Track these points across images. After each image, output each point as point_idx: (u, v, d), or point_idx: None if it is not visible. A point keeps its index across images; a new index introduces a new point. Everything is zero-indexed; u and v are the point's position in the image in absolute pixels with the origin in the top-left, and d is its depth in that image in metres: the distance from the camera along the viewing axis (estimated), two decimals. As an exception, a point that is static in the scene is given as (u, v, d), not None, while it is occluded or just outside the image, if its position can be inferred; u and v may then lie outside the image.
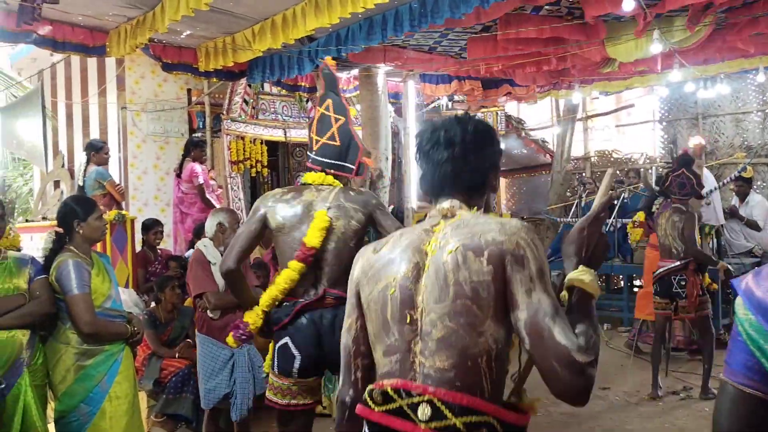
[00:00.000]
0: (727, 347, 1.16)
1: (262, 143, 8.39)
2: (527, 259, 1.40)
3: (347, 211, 2.89)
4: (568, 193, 10.18)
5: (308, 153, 3.09)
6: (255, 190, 9.86)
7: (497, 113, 10.17)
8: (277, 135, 8.69)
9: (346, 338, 1.64)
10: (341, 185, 3.00)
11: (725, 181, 7.62)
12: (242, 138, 8.20)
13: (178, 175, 6.80)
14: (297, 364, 2.77)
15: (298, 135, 8.87)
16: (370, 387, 1.51)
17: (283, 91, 8.30)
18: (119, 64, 7.58)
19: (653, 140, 10.65)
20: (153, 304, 4.98)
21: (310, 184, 3.00)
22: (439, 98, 8.67)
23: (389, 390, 1.44)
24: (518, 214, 12.34)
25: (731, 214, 7.38)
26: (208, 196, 6.60)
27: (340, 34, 5.60)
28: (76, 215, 3.18)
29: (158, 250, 6.09)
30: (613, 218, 8.14)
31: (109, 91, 7.81)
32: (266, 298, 2.88)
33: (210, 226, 4.08)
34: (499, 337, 1.42)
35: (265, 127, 8.56)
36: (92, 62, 7.84)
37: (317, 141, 3.02)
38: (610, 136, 11.67)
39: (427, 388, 1.40)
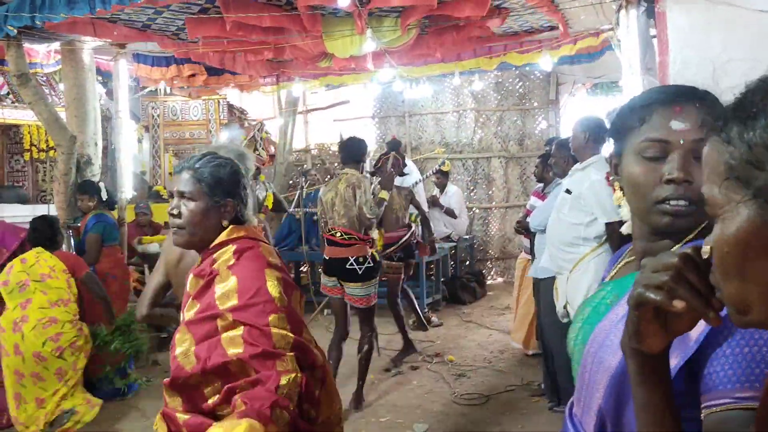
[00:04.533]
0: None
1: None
2: None
3: None
4: (290, 183, 10.37)
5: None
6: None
7: (219, 102, 9.93)
8: (-46, 112, 7.36)
9: None
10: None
11: (428, 173, 8.44)
12: None
13: None
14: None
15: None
16: None
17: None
18: None
19: (368, 135, 11.39)
20: None
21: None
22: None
23: None
24: (242, 205, 12.22)
25: (433, 203, 8.24)
26: None
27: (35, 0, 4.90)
28: None
29: None
30: (299, 209, 8.17)
31: None
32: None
33: None
34: None
35: (-62, 103, 7.19)
36: None
37: None
38: (329, 130, 12.18)
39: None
